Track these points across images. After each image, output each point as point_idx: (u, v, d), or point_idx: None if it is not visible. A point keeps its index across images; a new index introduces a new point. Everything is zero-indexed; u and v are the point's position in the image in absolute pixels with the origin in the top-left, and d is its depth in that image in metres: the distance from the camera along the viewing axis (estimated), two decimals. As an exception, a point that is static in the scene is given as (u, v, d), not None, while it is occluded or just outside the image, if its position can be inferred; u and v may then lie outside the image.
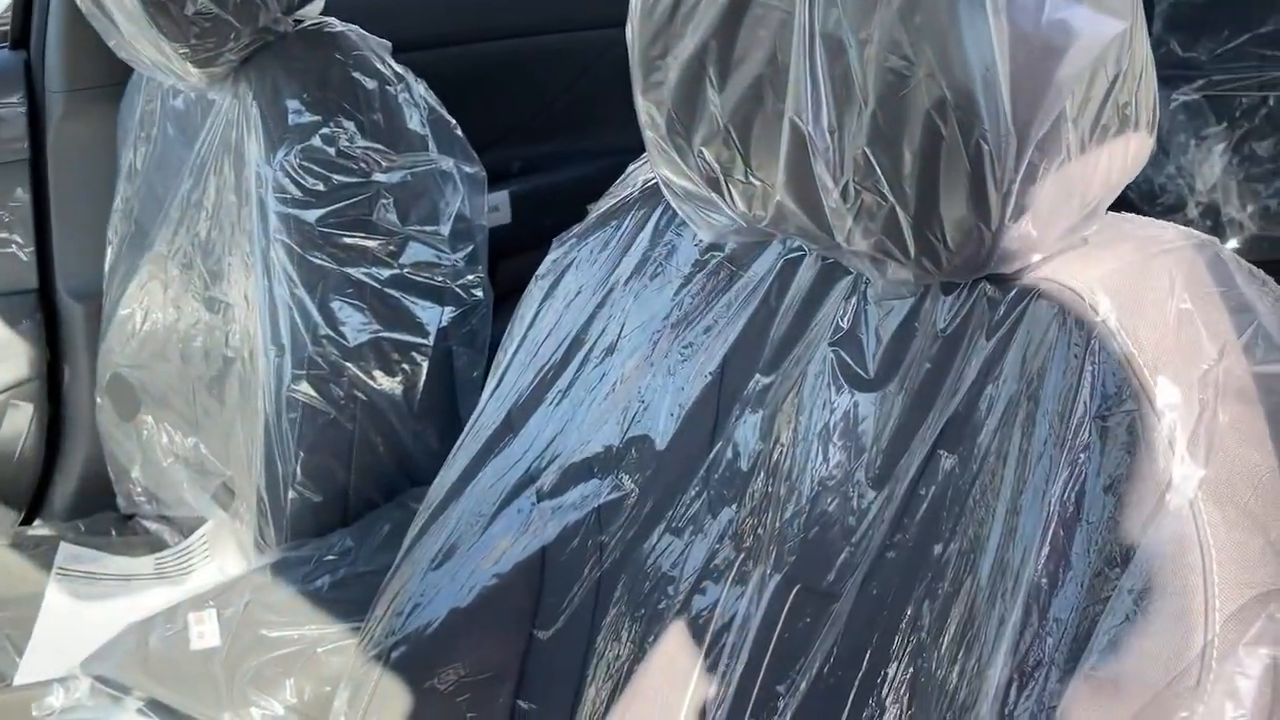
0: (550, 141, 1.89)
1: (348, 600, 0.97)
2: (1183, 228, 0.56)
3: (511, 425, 0.78)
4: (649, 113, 0.63)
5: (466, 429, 0.81)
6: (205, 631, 0.95)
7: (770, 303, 0.68)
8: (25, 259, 1.48)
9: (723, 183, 0.61)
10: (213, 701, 0.91)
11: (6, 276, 1.47)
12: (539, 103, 1.87)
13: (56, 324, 1.52)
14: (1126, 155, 0.53)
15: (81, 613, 1.27)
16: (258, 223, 1.09)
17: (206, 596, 1.01)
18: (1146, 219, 0.59)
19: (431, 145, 1.07)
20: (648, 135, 0.64)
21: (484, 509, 0.77)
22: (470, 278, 1.09)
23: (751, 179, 0.59)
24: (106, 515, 1.48)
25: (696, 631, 0.68)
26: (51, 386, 1.54)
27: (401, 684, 0.77)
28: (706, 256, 0.71)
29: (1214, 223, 1.50)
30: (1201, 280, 0.53)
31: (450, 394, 1.12)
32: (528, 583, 0.75)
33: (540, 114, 1.88)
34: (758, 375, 0.68)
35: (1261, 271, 0.54)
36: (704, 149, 0.61)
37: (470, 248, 1.08)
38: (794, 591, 0.64)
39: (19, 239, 1.46)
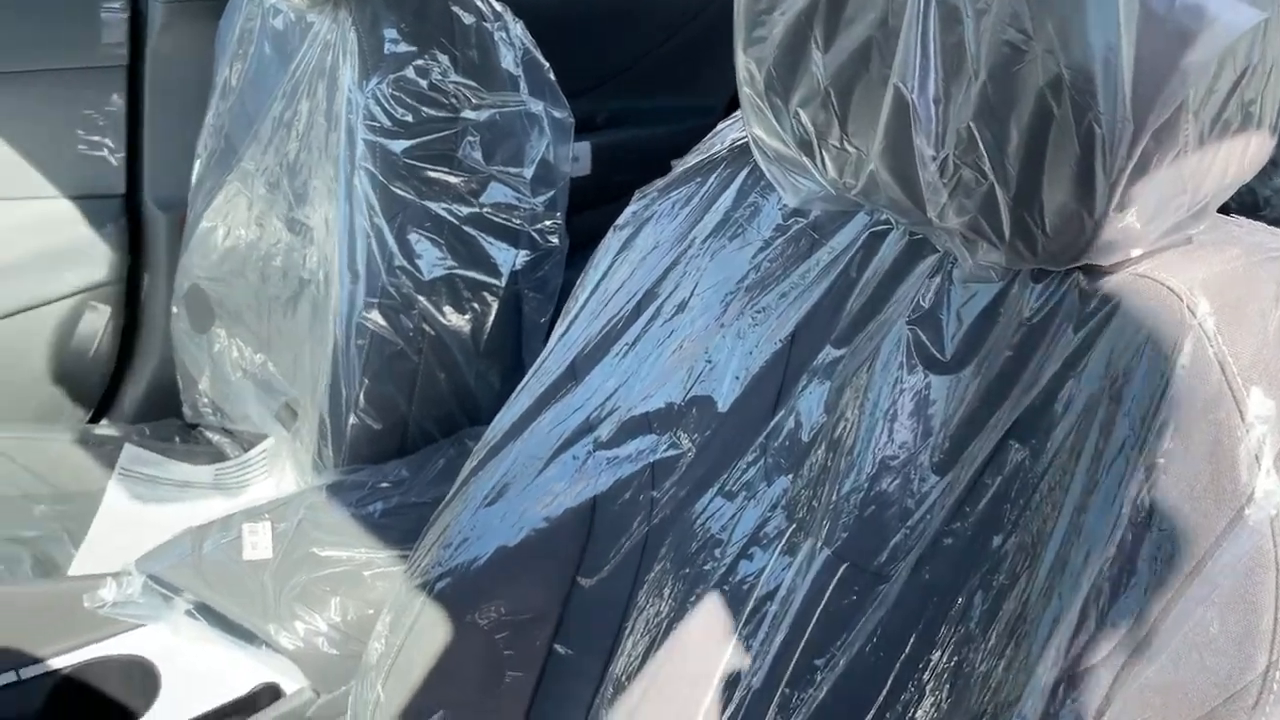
0: (639, 96, 1.87)
1: (398, 528, 0.98)
2: (1295, 237, 0.54)
3: (575, 373, 0.77)
4: (748, 69, 0.61)
5: (530, 372, 0.81)
6: (258, 543, 0.97)
7: (850, 274, 0.67)
8: (115, 164, 1.51)
9: (816, 146, 0.60)
10: (260, 611, 0.93)
11: (95, 180, 1.51)
12: (631, 55, 1.85)
13: (140, 231, 1.56)
14: (1245, 155, 0.51)
15: (139, 514, 1.31)
16: (345, 149, 1.10)
17: (262, 510, 1.03)
18: (1256, 224, 0.57)
19: (523, 86, 1.06)
20: (744, 92, 0.63)
21: (540, 453, 0.77)
22: (547, 223, 1.08)
23: (846, 145, 0.58)
24: (171, 422, 1.52)
25: (739, 597, 0.68)
26: (130, 292, 1.57)
27: (443, 615, 0.78)
28: (789, 221, 0.70)
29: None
30: (1310, 293, 0.50)
31: (516, 337, 1.13)
32: (576, 529, 0.75)
33: (632, 67, 1.86)
34: (829, 347, 0.67)
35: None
36: (800, 110, 0.59)
37: (550, 193, 1.08)
38: (843, 568, 0.64)
39: (110, 143, 1.49)
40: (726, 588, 0.68)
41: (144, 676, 0.96)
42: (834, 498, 0.65)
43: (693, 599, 0.70)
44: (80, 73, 1.45)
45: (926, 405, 0.62)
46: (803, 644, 0.64)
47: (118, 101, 1.48)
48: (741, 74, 0.63)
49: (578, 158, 1.83)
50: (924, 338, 0.62)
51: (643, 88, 1.87)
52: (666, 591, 0.71)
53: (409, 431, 1.12)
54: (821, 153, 0.60)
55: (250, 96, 1.32)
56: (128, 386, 1.60)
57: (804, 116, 0.59)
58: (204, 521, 1.05)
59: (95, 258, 1.52)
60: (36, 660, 0.93)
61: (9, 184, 1.46)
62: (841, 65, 0.56)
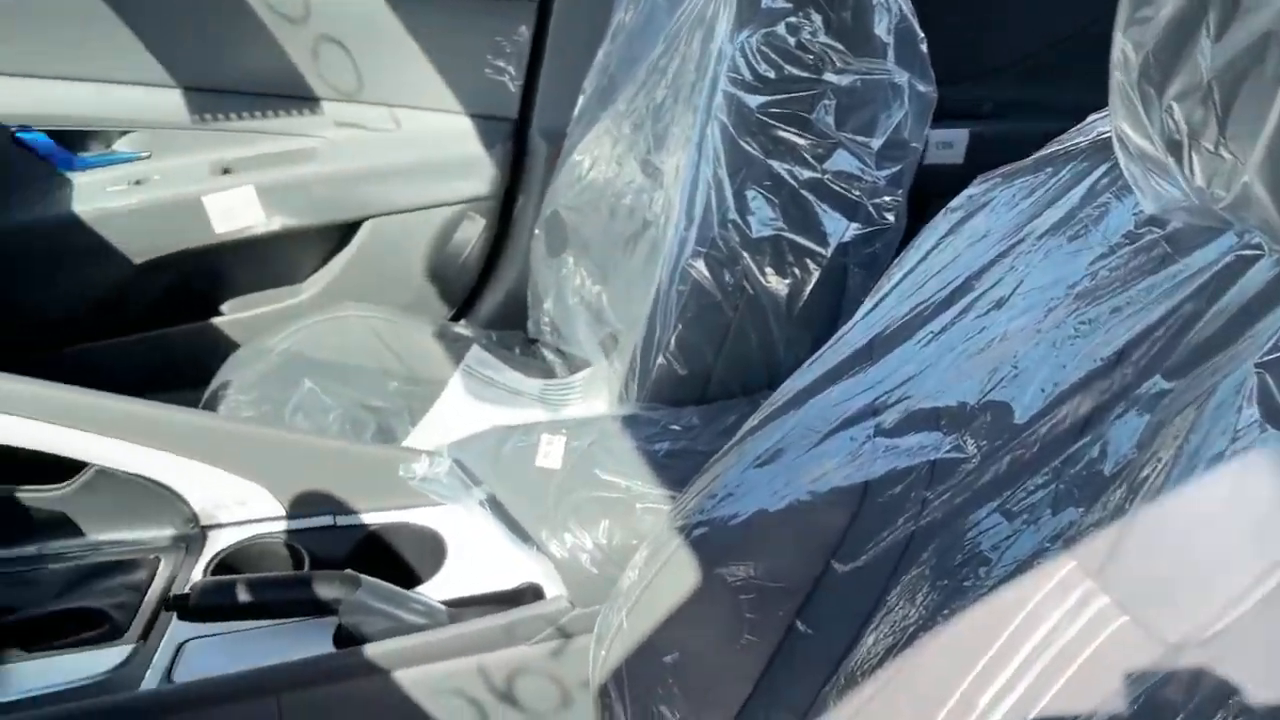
0: (1033, 87, 1.74)
1: (676, 469, 1.00)
2: None
3: (872, 352, 0.74)
4: (1124, 50, 0.55)
5: (829, 342, 0.79)
6: (551, 453, 1.03)
7: (1202, 300, 0.58)
8: (513, 90, 1.63)
9: (1185, 148, 0.52)
10: (537, 515, 0.99)
11: (494, 102, 1.64)
12: (1034, 43, 1.72)
13: (522, 155, 1.68)
14: None
15: (471, 408, 1.43)
16: (705, 98, 1.11)
17: (561, 424, 1.09)
18: None
19: (890, 54, 1.02)
20: (1115, 77, 0.57)
21: (819, 426, 0.75)
22: (887, 199, 1.04)
23: (1221, 150, 0.50)
24: (515, 334, 1.63)
25: (995, 624, 0.62)
26: (504, 209, 1.71)
27: (694, 562, 0.78)
28: (1142, 230, 0.62)
29: None
30: None
31: (834, 310, 1.10)
32: (841, 511, 0.73)
33: (1033, 55, 1.73)
34: (1158, 377, 0.59)
35: None
36: (1175, 104, 0.52)
37: (896, 169, 1.03)
38: (1120, 622, 0.57)
39: (512, 71, 1.62)
40: (984, 610, 0.63)
41: (434, 548, 1.05)
42: (1128, 544, 0.58)
43: (945, 613, 0.65)
44: (496, 2, 1.58)
45: (1260, 464, 0.53)
46: (1052, 693, 0.58)
47: (524, 33, 1.60)
48: (1116, 56, 0.56)
49: (951, 144, 1.74)
50: (1273, 386, 0.53)
51: (1040, 77, 1.73)
52: (920, 598, 0.67)
53: (710, 383, 1.13)
54: (1191, 155, 0.52)
55: (637, 40, 1.38)
56: (487, 294, 1.74)
57: (1177, 112, 0.52)
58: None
59: (481, 173, 1.66)
60: (352, 512, 1.05)
61: (419, 94, 1.63)
62: (1233, 58, 0.48)
